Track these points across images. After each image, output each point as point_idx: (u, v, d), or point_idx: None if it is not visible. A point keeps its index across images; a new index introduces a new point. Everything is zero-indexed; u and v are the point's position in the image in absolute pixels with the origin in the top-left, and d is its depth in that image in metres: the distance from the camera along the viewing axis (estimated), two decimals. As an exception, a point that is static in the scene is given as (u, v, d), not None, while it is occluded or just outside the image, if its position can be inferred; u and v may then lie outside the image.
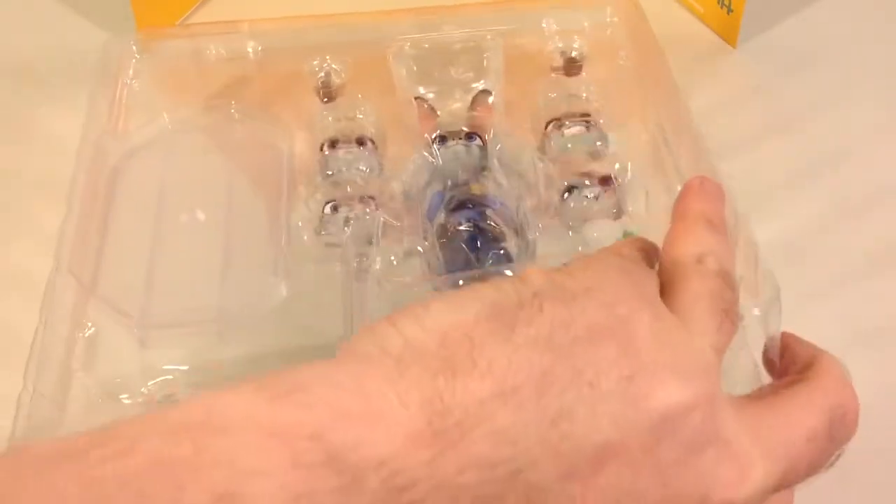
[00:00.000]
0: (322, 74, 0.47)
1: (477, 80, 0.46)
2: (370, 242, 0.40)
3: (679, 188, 0.33)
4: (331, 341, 0.37)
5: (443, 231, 0.41)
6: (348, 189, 0.43)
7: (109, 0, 0.52)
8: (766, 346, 0.31)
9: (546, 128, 0.45)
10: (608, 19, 0.49)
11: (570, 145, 0.44)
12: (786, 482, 0.27)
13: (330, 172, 0.43)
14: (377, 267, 0.39)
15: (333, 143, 0.44)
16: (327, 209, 0.42)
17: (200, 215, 0.43)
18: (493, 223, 0.41)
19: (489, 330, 0.25)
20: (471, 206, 0.42)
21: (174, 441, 0.22)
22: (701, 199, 0.31)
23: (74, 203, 0.40)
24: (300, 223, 0.42)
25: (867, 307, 0.42)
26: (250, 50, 0.48)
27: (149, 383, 0.37)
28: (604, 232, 0.42)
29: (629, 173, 0.42)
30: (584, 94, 0.46)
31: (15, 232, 0.45)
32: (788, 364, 0.30)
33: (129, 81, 0.47)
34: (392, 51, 0.46)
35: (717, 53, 0.53)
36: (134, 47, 0.47)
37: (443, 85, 0.46)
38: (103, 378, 0.38)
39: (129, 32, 0.49)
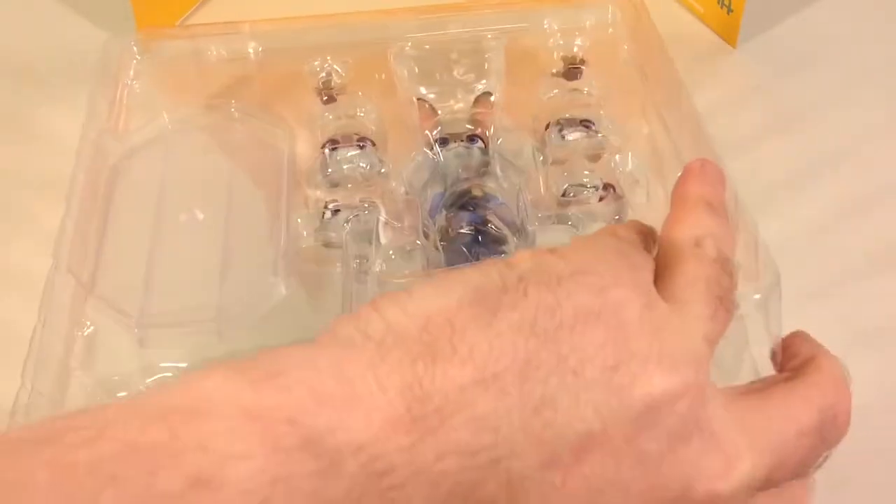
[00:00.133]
0: (323, 75, 0.47)
1: (478, 80, 0.46)
2: (370, 242, 0.40)
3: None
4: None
5: (444, 233, 0.41)
6: (349, 188, 0.43)
7: (109, 0, 0.52)
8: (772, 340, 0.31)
9: (546, 128, 0.45)
10: (610, 18, 0.48)
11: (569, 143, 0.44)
12: (774, 477, 0.26)
13: (330, 170, 0.43)
14: (377, 268, 0.39)
15: (334, 143, 0.44)
16: (327, 209, 0.42)
17: (200, 215, 0.43)
18: (494, 226, 0.41)
19: (472, 315, 0.25)
20: (472, 208, 0.42)
21: (148, 425, 0.22)
22: (701, 181, 0.31)
23: (74, 202, 0.40)
24: (299, 221, 0.42)
25: (867, 307, 0.42)
26: (251, 50, 0.47)
27: (147, 382, 0.37)
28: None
29: (630, 164, 0.42)
30: (587, 90, 0.46)
31: (15, 231, 0.45)
32: (789, 359, 0.30)
33: (129, 81, 0.47)
34: (393, 51, 0.47)
35: (717, 53, 0.53)
36: (135, 47, 0.47)
37: (444, 85, 0.46)
38: (102, 377, 0.37)
39: (128, 32, 0.49)
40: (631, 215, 0.42)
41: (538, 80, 0.47)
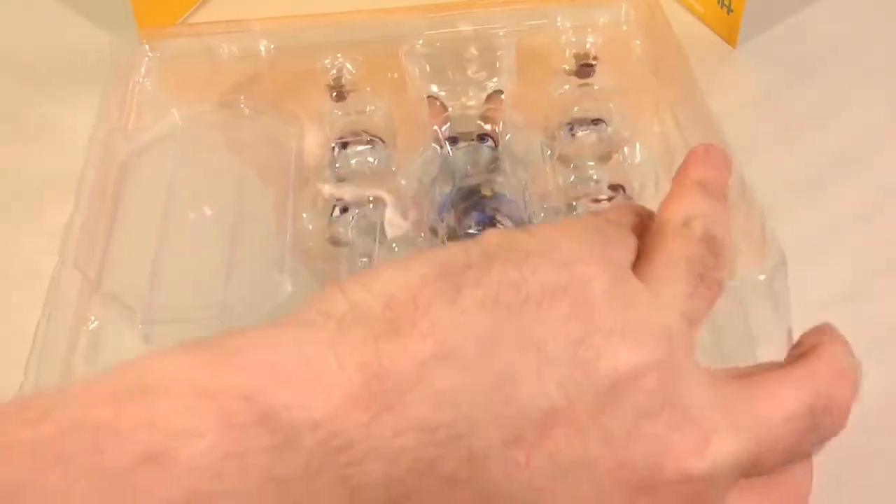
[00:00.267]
0: (334, 72, 0.47)
1: (490, 78, 0.46)
2: (376, 239, 0.40)
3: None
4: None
5: (452, 233, 0.41)
6: (357, 185, 0.43)
7: (109, 0, 0.52)
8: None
9: (557, 126, 0.45)
10: (624, 15, 0.48)
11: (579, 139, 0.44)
12: (761, 463, 0.26)
13: (338, 165, 0.43)
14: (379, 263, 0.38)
15: (344, 141, 0.44)
16: (335, 206, 0.42)
17: (207, 211, 0.42)
18: (502, 226, 0.41)
19: (435, 291, 0.24)
20: (481, 208, 0.41)
21: (93, 405, 0.22)
22: (703, 165, 0.31)
23: (82, 198, 0.40)
24: (305, 216, 0.42)
25: (877, 311, 0.41)
26: (262, 48, 0.47)
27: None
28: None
29: (638, 156, 0.41)
30: (598, 87, 0.46)
31: (17, 229, 0.45)
32: (796, 348, 0.29)
33: (140, 80, 0.47)
34: (404, 49, 0.46)
35: (717, 53, 0.53)
36: (146, 46, 0.47)
37: (455, 83, 0.45)
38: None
39: (128, 32, 0.49)
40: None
41: (550, 77, 0.47)
